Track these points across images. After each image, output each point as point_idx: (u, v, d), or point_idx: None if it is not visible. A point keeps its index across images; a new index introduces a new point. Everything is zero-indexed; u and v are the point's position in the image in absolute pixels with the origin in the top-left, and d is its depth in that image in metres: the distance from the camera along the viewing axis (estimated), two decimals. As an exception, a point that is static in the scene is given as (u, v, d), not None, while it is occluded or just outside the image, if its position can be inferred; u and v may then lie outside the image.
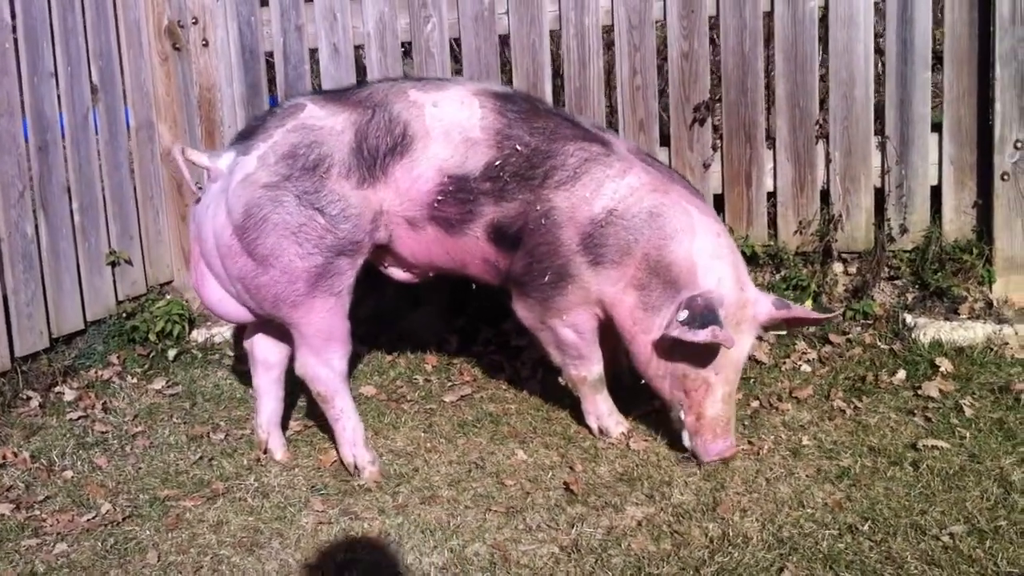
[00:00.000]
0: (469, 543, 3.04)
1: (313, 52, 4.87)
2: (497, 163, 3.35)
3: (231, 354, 4.67)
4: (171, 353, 4.65)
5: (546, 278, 3.33)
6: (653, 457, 3.47)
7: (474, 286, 3.77)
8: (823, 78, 4.35)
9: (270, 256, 3.35)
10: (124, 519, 3.35)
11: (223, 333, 4.78)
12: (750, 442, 3.49)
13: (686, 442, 3.41)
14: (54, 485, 3.62)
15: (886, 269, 4.33)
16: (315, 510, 3.30)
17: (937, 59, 4.31)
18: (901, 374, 3.89)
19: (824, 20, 4.31)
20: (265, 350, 3.72)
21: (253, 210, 3.33)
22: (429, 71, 4.68)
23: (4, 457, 3.79)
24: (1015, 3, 4.00)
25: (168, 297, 4.84)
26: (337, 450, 3.61)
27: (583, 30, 4.52)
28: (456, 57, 4.83)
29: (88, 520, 3.36)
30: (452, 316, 4.76)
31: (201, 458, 3.75)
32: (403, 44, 4.77)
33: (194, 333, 4.79)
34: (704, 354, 3.29)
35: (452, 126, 3.39)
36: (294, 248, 3.34)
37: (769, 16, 4.37)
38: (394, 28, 4.71)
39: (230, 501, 3.41)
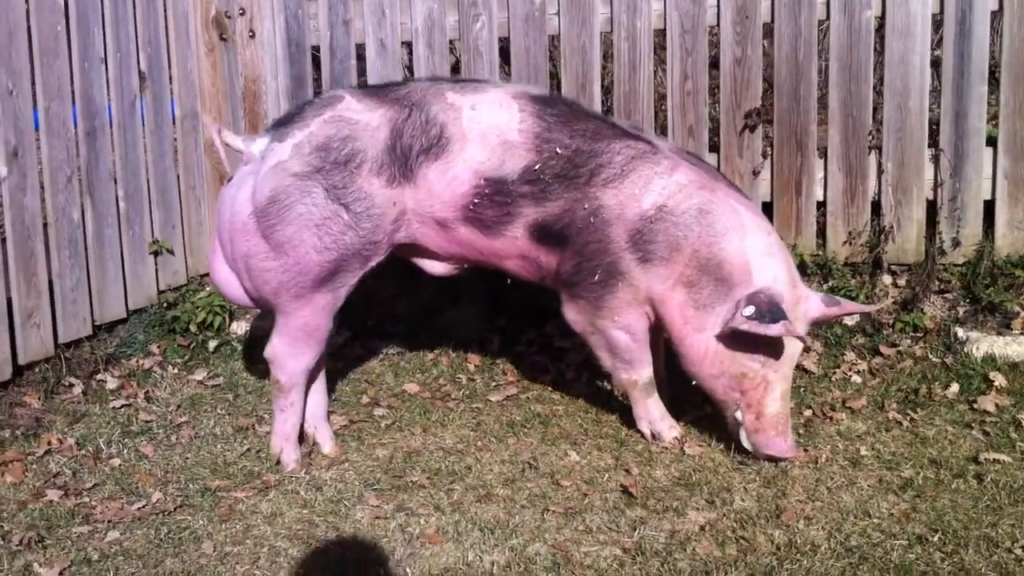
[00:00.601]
0: (529, 542, 3.02)
1: (360, 47, 4.84)
2: (536, 167, 3.35)
3: (270, 348, 4.63)
4: (212, 344, 4.62)
5: (596, 277, 3.33)
6: (709, 462, 3.45)
7: (508, 281, 3.74)
8: (877, 89, 4.31)
9: (287, 244, 3.33)
10: (175, 508, 3.32)
11: (262, 326, 4.74)
12: (806, 450, 3.46)
13: (744, 443, 3.39)
14: (101, 472, 3.59)
15: (936, 282, 4.31)
16: (370, 504, 3.27)
17: (993, 73, 4.28)
18: (954, 387, 3.86)
19: (880, 30, 4.28)
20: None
21: (280, 196, 3.32)
22: (476, 70, 4.66)
23: (49, 443, 3.76)
24: (1077, 18, 3.98)
25: (209, 288, 4.80)
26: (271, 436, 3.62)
27: (635, 33, 4.50)
28: (505, 57, 4.80)
29: (139, 508, 3.33)
30: (493, 315, 4.73)
31: (248, 450, 3.72)
32: (451, 42, 4.75)
33: (234, 325, 4.75)
34: (763, 351, 3.29)
35: (490, 129, 3.38)
36: (313, 240, 3.32)
37: (824, 25, 4.34)
38: (443, 25, 4.69)
39: (282, 493, 3.38)
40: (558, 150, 3.33)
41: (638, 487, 3.27)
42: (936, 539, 2.90)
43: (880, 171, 4.34)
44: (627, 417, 3.76)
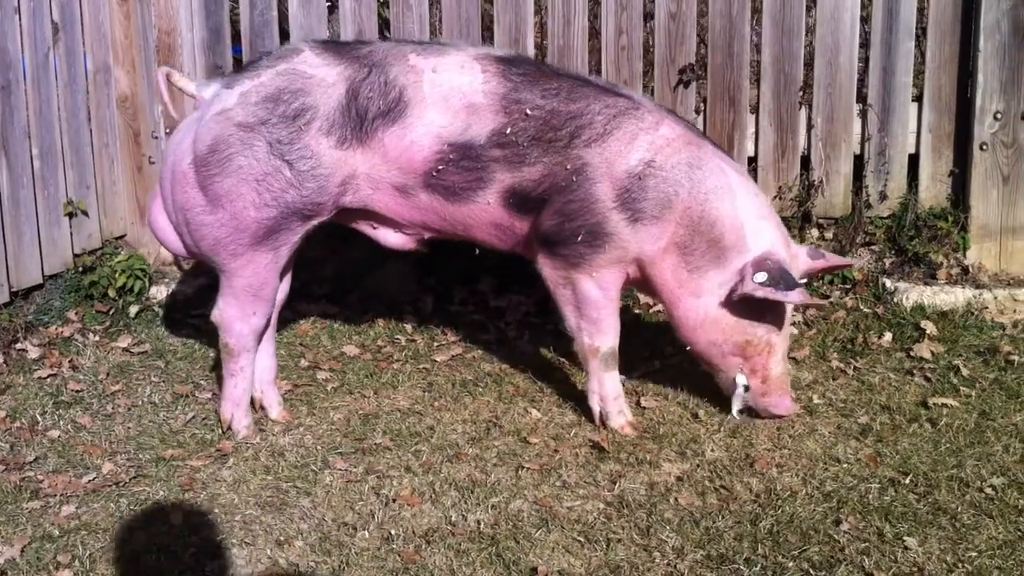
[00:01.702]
0: (510, 500, 3.00)
1: (280, -1, 4.69)
2: (507, 130, 3.24)
3: (194, 312, 4.48)
4: (132, 310, 4.44)
5: (579, 238, 3.24)
6: (669, 415, 3.48)
7: (477, 251, 3.66)
8: (808, 45, 4.38)
9: (224, 198, 3.21)
10: (130, 480, 3.19)
11: (184, 290, 4.58)
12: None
13: (735, 407, 3.40)
14: (41, 445, 3.42)
15: (862, 235, 4.42)
16: (337, 468, 3.20)
17: (920, 29, 4.39)
18: (888, 336, 3.98)
19: (812, -14, 4.34)
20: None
21: (220, 146, 3.20)
22: (406, 23, 4.57)
23: (-23, 417, 3.55)
24: (1001, -23, 4.11)
25: (125, 252, 4.61)
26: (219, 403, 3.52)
27: (568, -14, 4.45)
28: (435, 9, 4.71)
29: (90, 481, 3.19)
30: (422, 275, 4.66)
31: (193, 417, 3.60)
32: (378, -7, 4.63)
33: (153, 289, 4.57)
34: (767, 316, 3.29)
35: (451, 92, 3.26)
36: (251, 196, 3.21)
37: (758, -20, 4.39)
38: (370, -23, 4.56)
39: (242, 460, 3.28)
40: (528, 111, 3.23)
41: (608, 441, 3.27)
42: (907, 481, 2.99)
43: (810, 126, 4.42)
44: (580, 374, 3.76)
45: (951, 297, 4.11)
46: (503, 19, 4.52)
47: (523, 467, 3.17)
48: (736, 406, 3.42)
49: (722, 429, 3.35)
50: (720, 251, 3.26)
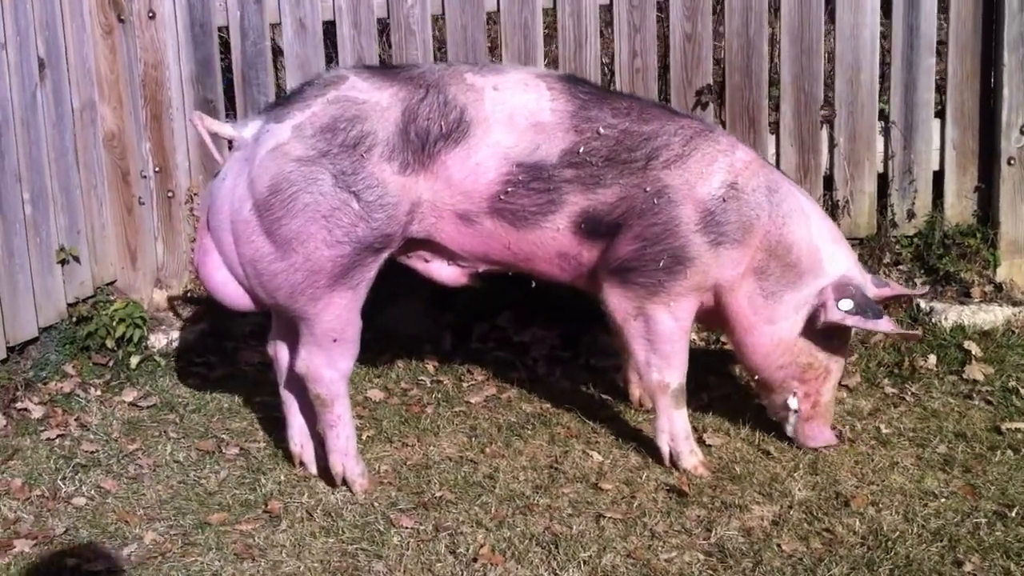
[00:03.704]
0: (601, 554, 2.82)
1: (275, 27, 4.47)
2: (580, 149, 3.11)
3: (198, 359, 4.23)
4: (133, 361, 4.16)
5: (661, 262, 3.10)
6: (738, 453, 3.34)
7: (533, 284, 3.49)
8: (828, 62, 4.30)
9: (294, 240, 3.01)
10: (179, 550, 2.93)
11: (186, 337, 4.32)
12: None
13: (790, 431, 3.30)
14: (68, 515, 3.16)
15: (889, 255, 4.33)
16: (404, 526, 2.99)
17: (940, 45, 4.33)
18: (932, 359, 3.89)
19: (830, 4, 4.25)
20: (292, 356, 3.34)
21: (282, 185, 2.99)
22: (409, 50, 4.38)
23: (-9, 486, 3.26)
24: (1025, -10, 4.07)
25: (119, 299, 4.32)
26: (327, 458, 3.28)
27: (579, 8, 4.32)
28: (439, 35, 4.53)
29: (133, 554, 2.93)
30: (437, 311, 4.46)
31: (228, 477, 3.35)
32: (379, 20, 4.43)
33: (152, 338, 4.29)
34: (833, 342, 3.20)
35: (516, 110, 3.12)
36: (323, 234, 3.01)
37: (775, -2, 4.29)
38: (369, 3, 4.37)
39: (296, 522, 3.05)
40: (601, 129, 3.10)
41: (687, 484, 3.10)
42: (1014, 515, 2.88)
43: (832, 145, 4.33)
44: (630, 412, 3.61)
45: (990, 316, 4.04)
46: (511, 43, 4.36)
47: (603, 516, 2.99)
48: (788, 429, 3.33)
49: (800, 466, 3.20)
50: (796, 276, 3.17)
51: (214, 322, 4.38)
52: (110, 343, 4.16)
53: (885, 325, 3.13)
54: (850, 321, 3.09)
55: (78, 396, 3.91)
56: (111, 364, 4.12)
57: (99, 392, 3.97)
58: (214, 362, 4.22)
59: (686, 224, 3.13)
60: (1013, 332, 3.98)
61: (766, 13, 4.26)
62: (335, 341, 3.11)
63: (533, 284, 3.44)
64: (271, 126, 3.06)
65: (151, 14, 4.37)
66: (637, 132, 3.15)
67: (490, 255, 3.24)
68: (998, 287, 4.22)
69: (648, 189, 3.13)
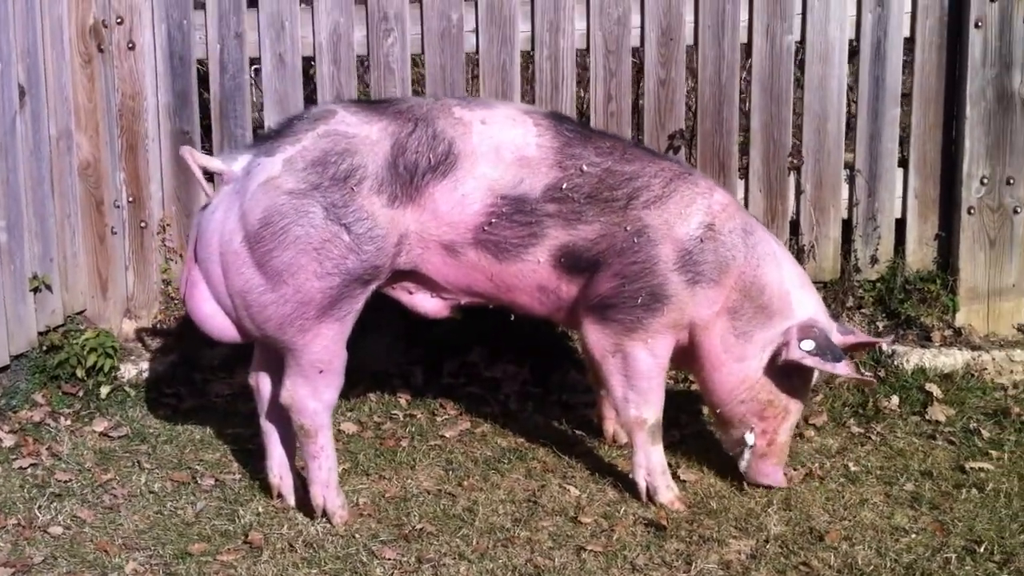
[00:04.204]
0: (584, 586, 2.85)
1: (254, 61, 4.51)
2: (563, 185, 3.19)
3: (168, 391, 4.22)
4: (103, 391, 4.14)
5: (639, 300, 3.18)
6: (715, 488, 3.39)
7: (512, 317, 3.54)
8: (796, 111, 4.42)
9: (284, 272, 3.05)
10: (161, 580, 2.92)
11: (156, 368, 4.31)
12: (795, 468, 3.46)
13: (743, 465, 3.34)
14: (45, 543, 3.14)
15: (852, 298, 4.45)
16: (386, 558, 3.01)
17: (904, 97, 4.47)
18: (895, 400, 3.99)
19: (800, 55, 4.39)
20: (274, 386, 3.36)
21: (274, 218, 3.03)
22: (388, 87, 4.44)
23: (-36, 514, 3.24)
24: (986, 47, 4.23)
25: (90, 329, 4.31)
26: (308, 489, 3.30)
27: (557, 52, 4.41)
28: (418, 75, 4.60)
29: (115, 583, 2.91)
30: (408, 346, 4.49)
31: (206, 507, 3.35)
32: (359, 58, 4.50)
33: (122, 368, 4.28)
34: (794, 382, 3.27)
35: (503, 144, 3.21)
36: (313, 266, 3.05)
37: (747, 48, 4.41)
38: (350, 40, 4.43)
39: (278, 553, 3.06)
40: (584, 167, 3.18)
41: (666, 519, 3.15)
42: (983, 550, 2.97)
43: (799, 191, 4.44)
44: (604, 448, 3.67)
45: (950, 359, 4.16)
46: (488, 84, 4.44)
47: (584, 549, 3.04)
48: (742, 465, 3.39)
49: (773, 501, 3.27)
50: (767, 317, 3.26)
51: (183, 353, 4.38)
52: (80, 372, 4.14)
53: (843, 369, 3.22)
54: (809, 361, 3.18)
55: (48, 425, 3.89)
56: (81, 394, 4.10)
57: (69, 422, 3.95)
58: (184, 393, 4.21)
59: (664, 263, 3.21)
60: (972, 375, 4.09)
61: (738, 63, 4.38)
62: (321, 372, 3.13)
63: (512, 317, 3.49)
64: (262, 159, 3.10)
65: (131, 45, 4.40)
66: (619, 172, 3.24)
67: (473, 287, 3.30)
68: (957, 332, 4.34)
69: (628, 228, 3.21)
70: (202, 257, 3.13)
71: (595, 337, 3.28)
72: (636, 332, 3.26)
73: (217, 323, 3.17)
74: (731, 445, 3.42)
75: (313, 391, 3.17)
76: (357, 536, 3.13)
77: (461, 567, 2.95)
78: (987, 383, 4.07)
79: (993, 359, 4.16)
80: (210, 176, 3.18)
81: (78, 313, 4.41)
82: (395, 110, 3.24)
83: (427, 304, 3.38)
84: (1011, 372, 4.15)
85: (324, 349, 3.13)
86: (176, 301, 4.55)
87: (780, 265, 3.31)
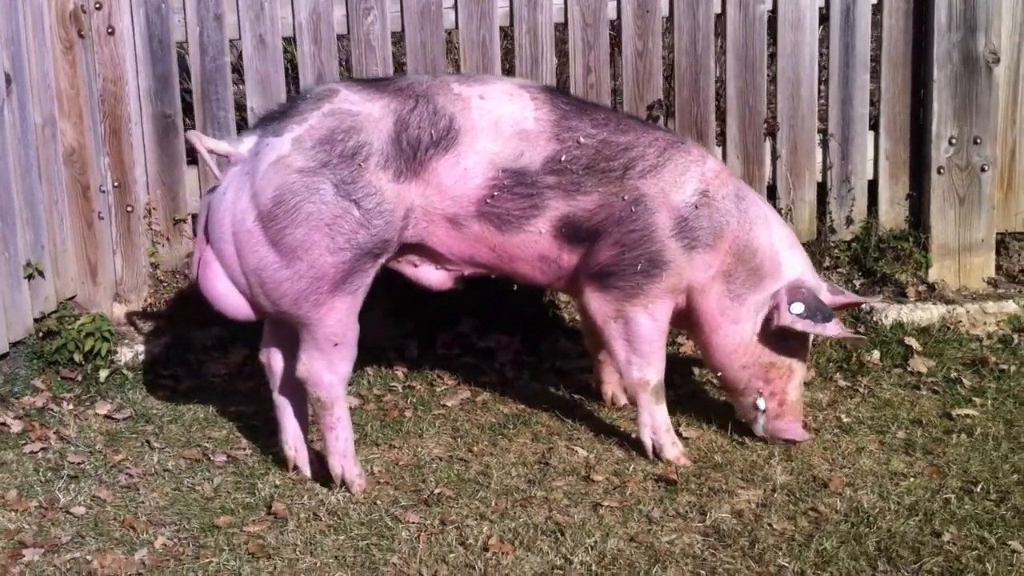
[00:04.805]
0: (605, 539, 2.97)
1: (234, 43, 4.54)
2: (562, 157, 3.28)
3: (164, 372, 4.27)
4: (102, 374, 4.18)
5: (639, 266, 3.29)
6: (716, 444, 3.52)
7: (515, 287, 3.64)
8: (771, 79, 4.55)
9: (298, 248, 3.12)
10: (192, 552, 2.99)
11: (152, 351, 4.35)
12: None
13: (759, 429, 3.48)
14: (70, 524, 3.18)
15: (828, 258, 4.60)
16: (411, 521, 3.11)
17: (874, 62, 4.62)
18: (876, 354, 4.14)
19: (772, 24, 4.51)
20: (286, 362, 3.43)
21: (286, 196, 3.10)
22: (369, 66, 4.50)
23: (-15, 498, 3.28)
24: (951, 11, 4.39)
25: (86, 314, 4.33)
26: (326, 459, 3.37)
27: (536, 27, 4.50)
28: (398, 52, 4.66)
29: (147, 558, 2.98)
30: (400, 320, 4.57)
31: (223, 482, 3.42)
32: (339, 37, 4.55)
33: (118, 352, 4.31)
34: (793, 342, 3.39)
35: (502, 118, 3.30)
36: (325, 242, 3.13)
37: (721, 18, 4.53)
38: (330, 19, 4.48)
39: (304, 522, 3.14)
40: (581, 139, 3.27)
41: (675, 473, 3.28)
42: (979, 490, 3.13)
43: (775, 156, 4.58)
44: (603, 410, 3.79)
45: (927, 314, 4.32)
46: (470, 60, 4.51)
47: (600, 505, 3.15)
48: (757, 429, 3.49)
49: (775, 453, 3.41)
50: (758, 279, 3.37)
51: (176, 335, 4.42)
52: (78, 357, 4.17)
53: (833, 329, 3.34)
54: (800, 325, 3.31)
55: (52, 410, 3.91)
56: (80, 378, 4.12)
57: (71, 406, 3.98)
58: (180, 374, 4.26)
59: (662, 230, 3.32)
60: (948, 328, 4.26)
61: (712, 32, 4.49)
62: (336, 345, 3.21)
63: (515, 287, 3.58)
64: (270, 140, 3.16)
65: (110, 30, 4.41)
66: (615, 142, 3.34)
67: (476, 258, 3.39)
68: (931, 287, 4.51)
69: (626, 197, 3.32)
70: (214, 237, 3.18)
71: (597, 304, 3.39)
72: (636, 298, 3.37)
73: (231, 301, 3.23)
74: (745, 412, 3.53)
75: (328, 364, 3.24)
76: (378, 503, 3.22)
77: (484, 527, 3.05)
78: (963, 335, 4.24)
79: (967, 312, 4.33)
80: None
81: (69, 299, 4.42)
82: (395, 87, 3.31)
83: (432, 276, 3.46)
84: (984, 324, 4.32)
85: (338, 323, 3.21)
86: (165, 284, 4.59)
87: (770, 227, 3.43)
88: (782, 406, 3.44)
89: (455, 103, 3.26)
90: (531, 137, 3.29)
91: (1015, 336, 4.19)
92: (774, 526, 2.99)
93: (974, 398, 3.75)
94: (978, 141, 4.46)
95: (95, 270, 4.47)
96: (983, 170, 4.48)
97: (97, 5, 4.40)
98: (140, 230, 4.54)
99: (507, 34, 4.62)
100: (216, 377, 4.24)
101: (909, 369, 4.02)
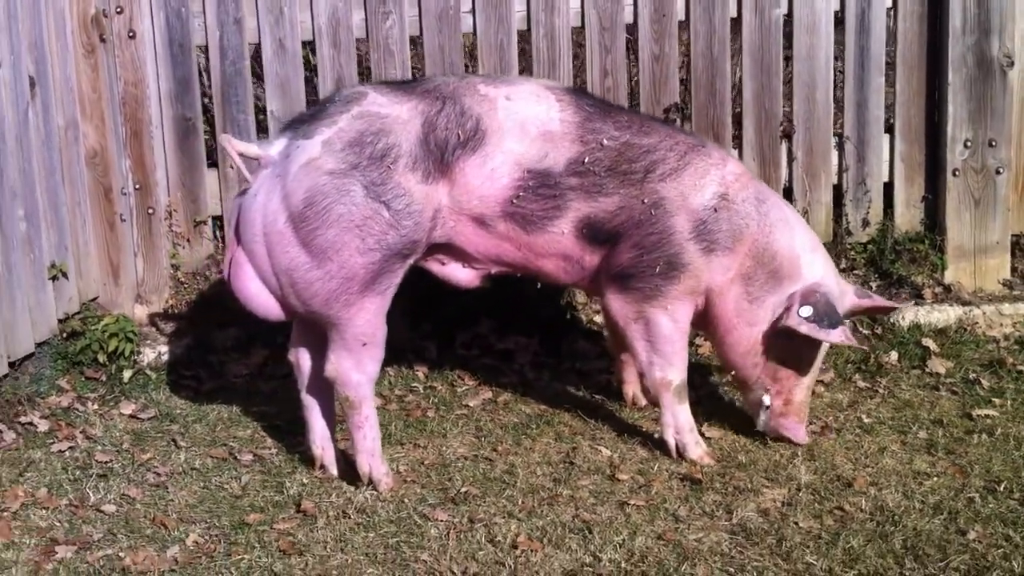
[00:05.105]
0: (633, 537, 3.01)
1: (254, 47, 4.58)
2: (585, 159, 3.32)
3: (187, 373, 4.30)
4: (126, 375, 4.21)
5: (657, 268, 3.33)
6: (740, 444, 3.55)
7: (539, 285, 3.68)
8: (787, 82, 4.59)
9: (329, 249, 3.16)
10: (224, 549, 3.02)
11: (174, 351, 4.38)
12: (810, 423, 3.63)
13: (761, 424, 3.53)
14: (101, 521, 3.22)
15: (845, 260, 4.63)
16: (439, 519, 3.14)
17: (889, 66, 4.66)
18: (893, 355, 4.17)
19: (788, 27, 4.55)
20: (314, 361, 3.47)
21: (317, 198, 3.14)
22: (388, 69, 4.53)
23: (16, 496, 3.30)
24: (965, 14, 4.42)
25: (110, 314, 4.36)
26: (355, 458, 3.41)
27: (553, 31, 4.53)
28: (417, 56, 4.70)
29: (179, 555, 3.02)
30: (417, 321, 4.60)
31: (250, 481, 3.45)
32: (358, 41, 4.58)
33: (141, 352, 4.35)
34: (806, 346, 3.42)
35: (528, 119, 3.33)
36: (356, 243, 3.17)
37: (737, 22, 4.56)
38: (349, 24, 4.51)
39: (332, 520, 3.17)
40: (604, 141, 3.31)
41: (700, 473, 3.31)
42: (1002, 489, 3.16)
43: (791, 159, 4.61)
44: (625, 411, 3.82)
45: (943, 315, 4.36)
46: (488, 63, 4.55)
47: (627, 504, 3.18)
48: (760, 424, 3.54)
49: (798, 453, 3.44)
50: (778, 282, 3.41)
51: (197, 336, 4.45)
52: (102, 357, 4.20)
53: (836, 336, 3.36)
54: (804, 328, 3.33)
55: (77, 410, 3.95)
56: (104, 378, 4.16)
57: (96, 406, 4.01)
58: (203, 375, 4.29)
59: (680, 233, 3.36)
60: (965, 329, 4.30)
61: (728, 36, 4.53)
62: (364, 345, 3.24)
63: (539, 286, 3.62)
64: (301, 142, 3.19)
65: (131, 33, 4.44)
66: (637, 145, 3.38)
67: (503, 257, 3.43)
68: (947, 288, 4.55)
69: (646, 200, 3.35)
70: (245, 239, 3.22)
71: (618, 305, 3.43)
72: (656, 299, 3.41)
73: (262, 301, 3.27)
74: (750, 406, 3.58)
75: (357, 363, 3.27)
76: (406, 501, 3.25)
77: (512, 525, 3.08)
78: (979, 336, 4.28)
79: (984, 313, 4.37)
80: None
81: (91, 300, 4.45)
82: (423, 89, 3.35)
83: (460, 274, 3.50)
84: (1001, 325, 4.36)
85: (367, 323, 3.24)
86: (185, 285, 4.62)
87: (792, 230, 3.46)
88: (787, 405, 3.47)
89: (482, 104, 3.30)
90: (556, 138, 3.33)
91: (1032, 337, 4.23)
92: (800, 524, 3.02)
93: (993, 399, 3.79)
94: (993, 144, 4.50)
95: (117, 271, 4.50)
96: (998, 172, 4.52)
97: (118, 9, 4.43)
98: (161, 232, 4.57)
99: (524, 38, 4.66)
100: (238, 378, 4.27)
101: (927, 370, 4.06)
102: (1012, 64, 4.46)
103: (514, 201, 3.31)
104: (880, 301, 3.66)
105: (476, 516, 3.14)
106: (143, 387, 4.17)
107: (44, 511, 3.24)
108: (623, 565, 2.86)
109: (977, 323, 4.34)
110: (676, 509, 3.14)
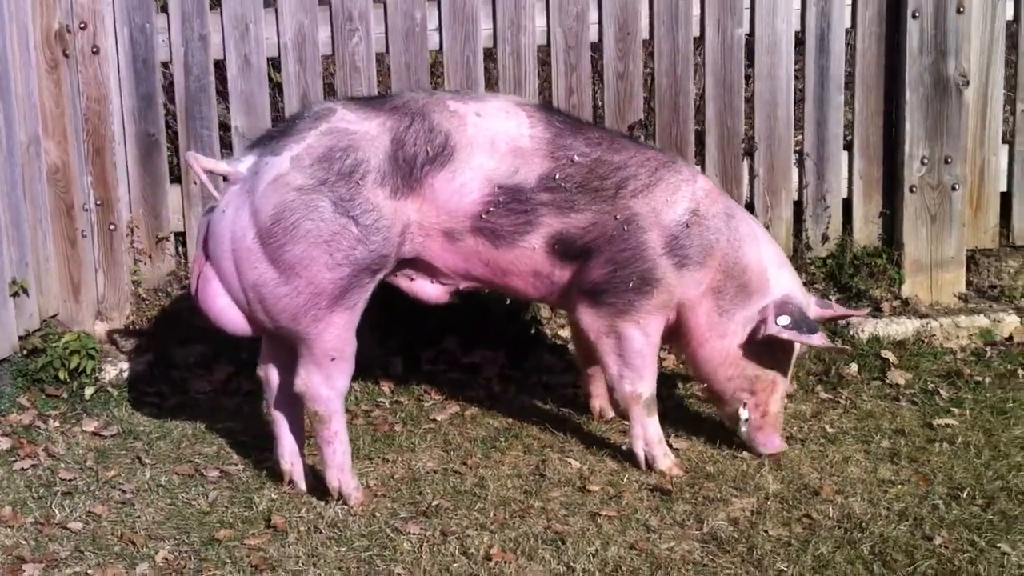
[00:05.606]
0: (605, 547, 3.03)
1: (218, 63, 4.58)
2: (556, 175, 3.35)
3: (149, 390, 4.27)
4: (88, 392, 4.17)
5: (631, 284, 3.36)
6: (707, 455, 3.59)
7: (508, 301, 3.69)
8: (748, 100, 4.66)
9: (297, 265, 3.17)
10: (194, 565, 3.00)
11: (135, 368, 4.35)
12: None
13: (743, 437, 3.55)
14: (67, 539, 3.18)
15: (804, 274, 4.69)
16: (412, 533, 3.13)
17: (848, 85, 4.74)
18: (854, 367, 4.24)
19: (750, 47, 4.62)
20: (282, 376, 3.46)
21: (285, 213, 3.15)
22: (354, 86, 4.55)
23: (-21, 515, 3.26)
24: (922, 36, 4.52)
25: (70, 331, 4.32)
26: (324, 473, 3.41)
27: (519, 49, 4.57)
28: (383, 72, 4.71)
29: (149, 572, 3.00)
30: (383, 338, 4.60)
31: (218, 497, 3.43)
32: (324, 58, 4.59)
33: (103, 370, 4.31)
34: (778, 355, 3.47)
35: (497, 135, 3.36)
36: (324, 258, 3.17)
37: (700, 41, 4.63)
38: (315, 40, 4.52)
39: (305, 535, 3.16)
40: (575, 157, 3.34)
41: (670, 483, 3.34)
42: (965, 496, 3.22)
43: (752, 176, 4.68)
44: (593, 424, 3.84)
45: (902, 328, 4.44)
46: (454, 80, 4.57)
47: (598, 515, 3.20)
48: (742, 436, 3.59)
49: (764, 463, 3.48)
50: (747, 295, 3.46)
51: (158, 352, 4.43)
52: (63, 375, 4.16)
53: (818, 340, 3.45)
54: (786, 335, 3.40)
55: (38, 427, 3.90)
56: (65, 396, 4.12)
57: (57, 423, 3.97)
58: (166, 391, 4.26)
59: (653, 248, 3.40)
60: (923, 341, 4.37)
61: (691, 55, 4.59)
62: (333, 360, 3.24)
63: (508, 301, 3.64)
64: (269, 158, 3.20)
65: (95, 49, 4.42)
66: (608, 161, 3.42)
67: (472, 272, 3.44)
68: (904, 302, 4.63)
69: (618, 216, 3.39)
70: (214, 255, 3.21)
71: (589, 319, 3.46)
72: (628, 314, 3.44)
73: (230, 317, 3.26)
74: (728, 420, 3.62)
75: (326, 379, 3.27)
76: (377, 515, 3.24)
77: (484, 537, 3.08)
78: (937, 348, 4.35)
79: (940, 326, 4.45)
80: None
81: (51, 316, 4.40)
82: (392, 106, 3.37)
83: (428, 290, 3.51)
84: (957, 337, 4.45)
85: (336, 338, 3.24)
86: (147, 302, 4.59)
87: (759, 245, 3.52)
88: (764, 417, 3.52)
89: (451, 120, 3.32)
90: (526, 154, 3.35)
91: (987, 349, 4.30)
92: (770, 532, 3.06)
93: (952, 408, 3.86)
94: (949, 161, 4.59)
95: (78, 288, 4.46)
96: (954, 189, 4.61)
97: (82, 25, 4.41)
98: (123, 248, 4.54)
99: (490, 56, 4.69)
100: (201, 394, 4.25)
101: (887, 381, 4.12)
102: (967, 83, 4.55)
103: (483, 216, 3.33)
104: (840, 310, 3.76)
105: (448, 529, 3.14)
106: (105, 404, 4.13)
107: (9, 529, 3.20)
108: (597, 575, 2.87)
109: (934, 335, 4.42)
110: (647, 519, 3.17)
